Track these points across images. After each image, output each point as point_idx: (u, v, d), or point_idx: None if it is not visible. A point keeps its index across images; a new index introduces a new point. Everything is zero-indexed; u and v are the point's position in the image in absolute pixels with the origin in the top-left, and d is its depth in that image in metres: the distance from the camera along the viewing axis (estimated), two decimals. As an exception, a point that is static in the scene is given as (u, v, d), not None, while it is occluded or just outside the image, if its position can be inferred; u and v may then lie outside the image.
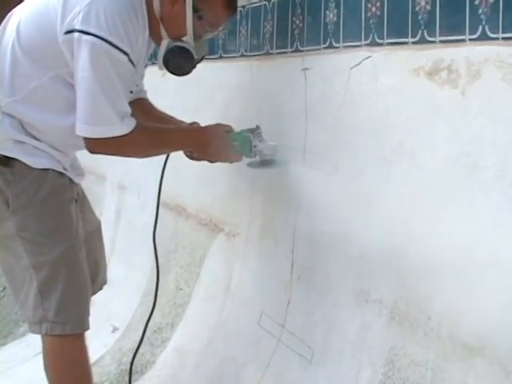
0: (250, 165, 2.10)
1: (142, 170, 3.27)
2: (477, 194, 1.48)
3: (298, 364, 1.99)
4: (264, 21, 2.32)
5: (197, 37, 1.92)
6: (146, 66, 2.16)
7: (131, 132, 1.85)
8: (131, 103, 2.15)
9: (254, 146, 2.03)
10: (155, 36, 1.93)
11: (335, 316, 1.91)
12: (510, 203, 1.39)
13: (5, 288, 3.80)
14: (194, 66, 2.00)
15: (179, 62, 1.94)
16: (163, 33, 1.91)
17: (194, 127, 2.13)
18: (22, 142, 1.89)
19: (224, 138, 2.02)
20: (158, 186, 3.12)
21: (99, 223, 2.28)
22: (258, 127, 2.06)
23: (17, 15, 1.93)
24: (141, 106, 2.20)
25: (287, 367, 2.03)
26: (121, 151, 1.96)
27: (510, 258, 1.39)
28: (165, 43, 1.91)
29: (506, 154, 1.40)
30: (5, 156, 1.88)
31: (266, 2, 2.31)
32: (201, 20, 1.89)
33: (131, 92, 2.04)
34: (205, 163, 2.08)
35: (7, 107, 1.88)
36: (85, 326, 1.97)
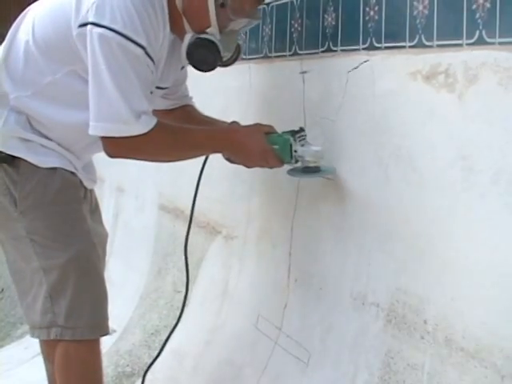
0: (291, 173, 1.90)
1: (140, 172, 3.28)
2: (473, 198, 1.48)
3: (294, 367, 1.99)
4: (263, 24, 2.32)
5: (222, 27, 1.82)
6: (183, 68, 2.08)
7: (150, 131, 1.73)
8: (174, 110, 2.11)
9: (295, 151, 1.83)
10: (179, 31, 1.84)
11: (332, 319, 1.91)
12: (506, 207, 1.40)
13: (3, 290, 3.81)
14: (221, 60, 1.88)
15: (203, 55, 1.82)
16: (186, 26, 1.81)
17: (228, 128, 1.98)
18: (27, 140, 1.85)
19: (261, 140, 1.85)
20: (156, 188, 3.14)
21: (106, 236, 2.21)
22: (301, 129, 1.88)
23: (32, 11, 1.90)
24: (183, 112, 2.15)
25: (284, 370, 2.03)
26: (141, 154, 1.85)
27: (506, 262, 1.40)
28: (188, 37, 1.82)
29: (503, 157, 1.41)
30: (10, 155, 1.83)
31: (264, 6, 2.30)
32: (224, 8, 1.78)
33: (159, 89, 1.96)
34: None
35: (16, 101, 1.84)
36: (99, 332, 1.93)
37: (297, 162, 1.87)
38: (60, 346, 1.90)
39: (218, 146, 1.90)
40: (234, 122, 1.98)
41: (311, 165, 1.86)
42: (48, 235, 1.86)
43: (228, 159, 1.95)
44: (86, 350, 1.92)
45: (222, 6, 1.78)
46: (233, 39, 1.91)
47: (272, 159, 1.85)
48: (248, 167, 1.93)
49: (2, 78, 1.85)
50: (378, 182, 1.76)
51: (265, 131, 1.88)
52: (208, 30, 1.81)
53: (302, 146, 1.85)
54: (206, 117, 2.17)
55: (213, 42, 1.81)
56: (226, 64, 1.96)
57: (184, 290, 2.67)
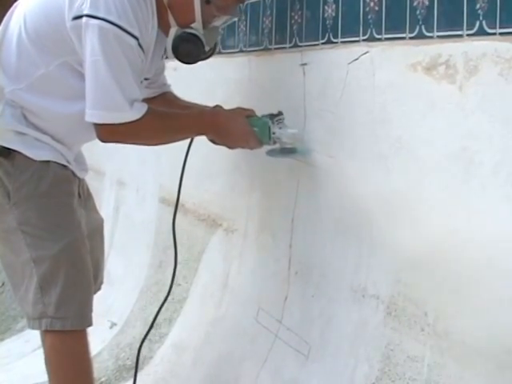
0: (270, 153, 2.02)
1: (140, 165, 3.28)
2: (473, 190, 1.47)
3: (295, 359, 1.99)
4: (263, 16, 2.32)
5: (205, 22, 1.90)
6: (163, 57, 2.13)
7: (142, 117, 1.82)
8: (155, 98, 2.16)
9: (273, 133, 1.95)
10: (164, 25, 1.91)
11: (332, 311, 1.91)
12: (506, 198, 1.39)
13: (3, 284, 3.81)
14: (204, 54, 1.98)
15: (188, 49, 1.91)
16: (171, 21, 1.89)
17: (212, 111, 2.04)
18: (22, 134, 1.88)
19: (243, 123, 1.96)
20: (156, 181, 3.14)
21: (102, 222, 2.26)
22: (280, 113, 1.99)
23: (22, 4, 1.92)
24: (164, 100, 2.20)
25: (284, 363, 2.03)
26: (132, 138, 1.93)
27: (507, 254, 1.39)
28: (173, 31, 1.90)
29: (503, 149, 1.40)
30: (5, 147, 1.86)
31: (264, -2, 2.30)
32: (208, 4, 1.88)
33: (145, 80, 2.02)
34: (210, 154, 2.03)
35: (11, 95, 1.86)
36: (86, 323, 1.96)
37: (275, 143, 1.98)
38: (48, 337, 1.93)
39: (203, 128, 1.99)
40: (217, 106, 2.05)
41: (288, 146, 1.98)
42: (40, 226, 1.89)
43: (212, 141, 2.04)
44: (73, 341, 1.94)
45: (207, 2, 1.87)
46: (214, 35, 2.01)
47: (252, 140, 1.97)
48: (230, 148, 2.04)
49: None
50: (379, 173, 1.76)
51: (246, 114, 1.99)
52: (192, 25, 1.89)
53: (280, 128, 1.96)
54: (187, 102, 2.24)
55: (198, 37, 1.90)
56: (202, 58, 2.03)
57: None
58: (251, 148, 2.01)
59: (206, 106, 2.11)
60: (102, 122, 1.80)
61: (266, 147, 2.01)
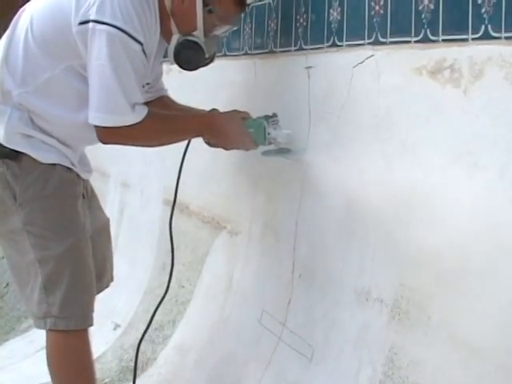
0: (265, 153, 2.07)
1: (145, 167, 3.28)
2: (478, 193, 1.47)
3: (298, 362, 1.98)
4: (268, 19, 2.32)
5: (207, 31, 1.95)
6: (161, 63, 2.18)
7: (143, 120, 1.86)
8: (152, 101, 2.19)
9: (268, 134, 1.99)
10: (166, 32, 1.96)
11: (336, 315, 1.90)
12: (511, 202, 1.39)
13: (8, 284, 3.81)
14: (205, 60, 2.02)
15: (189, 55, 1.96)
16: (173, 28, 1.94)
17: (209, 114, 2.09)
18: (29, 136, 1.91)
19: (239, 124, 2.00)
20: (160, 183, 3.14)
21: (108, 220, 2.29)
22: (274, 114, 2.03)
23: (29, 9, 1.95)
24: (162, 103, 2.23)
25: (288, 365, 2.03)
26: (132, 140, 1.97)
27: (510, 257, 1.39)
28: (175, 38, 1.94)
29: (508, 153, 1.40)
30: (13, 150, 1.89)
31: (270, 1, 2.30)
32: (211, 14, 1.92)
33: (147, 84, 2.05)
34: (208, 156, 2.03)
35: (18, 98, 1.89)
36: (88, 322, 1.99)
37: (270, 143, 2.02)
38: (50, 336, 1.96)
39: (201, 130, 2.02)
40: (213, 109, 2.09)
41: (283, 146, 2.03)
42: (45, 226, 1.92)
43: (208, 143, 2.06)
44: (76, 341, 1.98)
45: (210, 12, 1.91)
46: (214, 43, 2.05)
47: (248, 141, 2.01)
48: (226, 149, 2.07)
49: (4, 77, 1.91)
50: (383, 177, 1.76)
51: (241, 117, 2.02)
52: (194, 33, 1.94)
53: (275, 129, 2.00)
54: (183, 106, 2.27)
55: (199, 45, 1.94)
56: (202, 65, 2.07)
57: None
58: (247, 149, 2.05)
59: (202, 110, 2.15)
60: (104, 124, 1.84)
61: (262, 148, 2.04)
